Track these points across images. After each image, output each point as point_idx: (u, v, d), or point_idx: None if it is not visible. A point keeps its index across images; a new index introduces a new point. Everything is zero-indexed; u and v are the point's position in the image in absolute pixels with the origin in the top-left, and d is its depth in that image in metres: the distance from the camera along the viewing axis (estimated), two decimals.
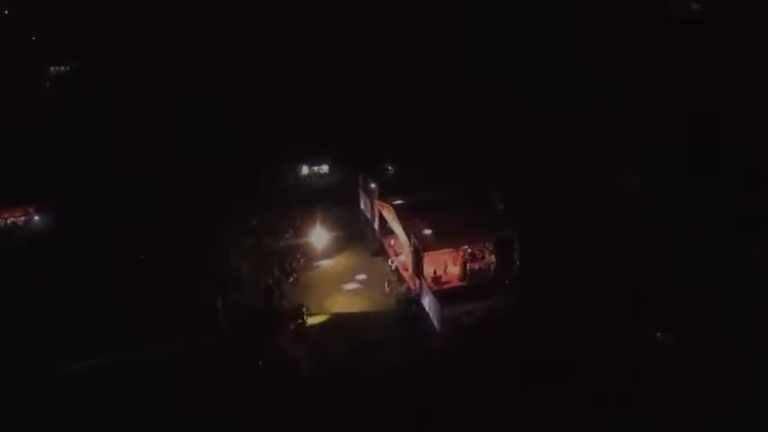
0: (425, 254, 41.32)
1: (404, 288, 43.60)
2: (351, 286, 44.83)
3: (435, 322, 39.56)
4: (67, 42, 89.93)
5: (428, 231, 42.34)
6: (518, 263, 42.63)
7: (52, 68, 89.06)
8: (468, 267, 43.14)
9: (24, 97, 74.90)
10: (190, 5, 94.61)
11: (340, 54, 77.45)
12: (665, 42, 73.46)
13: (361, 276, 45.70)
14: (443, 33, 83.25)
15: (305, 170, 59.57)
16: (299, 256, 47.34)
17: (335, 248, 48.67)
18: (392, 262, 46.23)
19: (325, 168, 59.60)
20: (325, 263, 47.48)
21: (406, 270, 44.87)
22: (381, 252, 48.18)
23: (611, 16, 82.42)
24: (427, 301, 40.77)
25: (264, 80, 73.48)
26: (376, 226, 49.19)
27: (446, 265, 43.81)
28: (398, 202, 45.73)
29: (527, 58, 73.62)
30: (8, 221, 52.30)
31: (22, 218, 52.75)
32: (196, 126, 65.24)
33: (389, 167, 56.46)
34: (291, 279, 45.11)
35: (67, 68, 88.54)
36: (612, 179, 53.50)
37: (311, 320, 40.94)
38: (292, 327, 40.36)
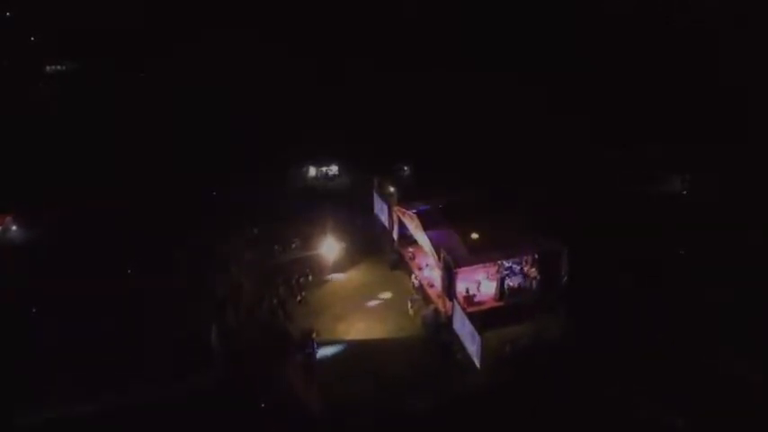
0: (458, 270, 32.20)
1: (431, 309, 34.49)
2: (368, 306, 35.80)
3: (473, 353, 30.41)
4: (66, 42, 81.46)
5: (460, 243, 33.25)
6: (566, 278, 33.62)
7: (48, 68, 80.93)
8: (506, 284, 34.07)
9: (12, 98, 65.68)
10: (189, 5, 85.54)
11: (345, 49, 68.01)
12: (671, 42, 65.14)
13: (380, 294, 36.69)
14: (447, 31, 74.15)
15: (312, 171, 50.21)
16: (306, 270, 38.25)
17: (349, 261, 39.57)
18: (415, 278, 37.06)
19: (334, 169, 50.25)
20: (336, 278, 38.45)
21: (432, 287, 35.87)
22: (401, 265, 39.06)
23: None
24: (461, 327, 31.63)
25: (266, 78, 64.11)
26: (395, 235, 39.96)
27: (479, 281, 34.79)
28: (421, 208, 36.63)
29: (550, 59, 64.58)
30: None
31: None
32: (193, 126, 55.80)
33: (405, 168, 47.31)
34: (299, 298, 36.15)
35: (63, 68, 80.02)
36: (655, 182, 44.61)
37: (323, 350, 31.92)
38: (300, 357, 31.40)
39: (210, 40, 75.12)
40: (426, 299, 35.57)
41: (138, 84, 67.61)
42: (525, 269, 35.56)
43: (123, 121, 58.34)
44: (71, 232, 41.20)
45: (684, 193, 44.95)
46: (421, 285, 36.39)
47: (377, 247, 41.17)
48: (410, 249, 38.90)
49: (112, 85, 69.19)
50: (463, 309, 31.90)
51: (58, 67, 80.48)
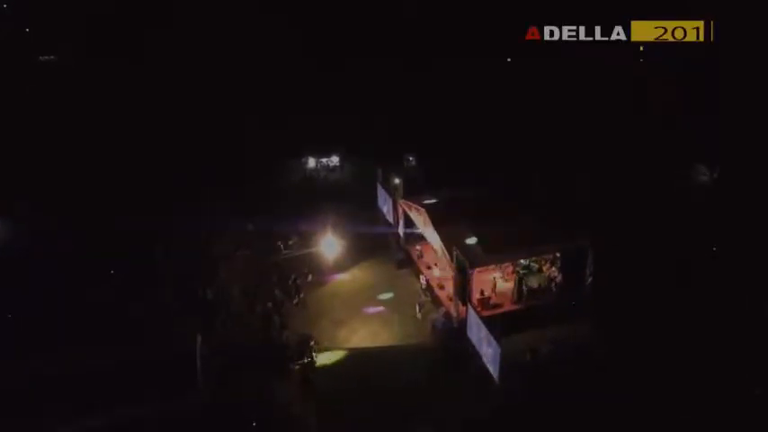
0: (473, 271, 28.34)
1: (441, 313, 30.72)
2: (372, 309, 32.05)
3: (490, 363, 26.65)
4: (56, 30, 77.25)
5: (474, 240, 29.39)
6: (591, 279, 29.76)
7: (41, 58, 77.16)
8: (525, 286, 30.24)
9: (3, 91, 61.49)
10: None
11: (346, 23, 62.40)
12: None
13: (385, 296, 32.95)
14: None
15: (311, 162, 46.26)
16: (305, 270, 34.46)
17: (350, 260, 35.78)
18: (423, 278, 33.22)
19: (335, 160, 46.33)
20: (338, 278, 34.71)
21: (442, 288, 32.08)
22: (408, 264, 35.25)
23: None
24: (476, 334, 27.85)
25: (263, 62, 59.00)
26: (400, 231, 36.12)
27: (494, 282, 30.98)
28: (430, 201, 32.73)
29: None
30: None
31: None
32: (183, 113, 51.19)
33: (411, 158, 43.31)
34: (296, 300, 32.40)
35: (55, 58, 76.13)
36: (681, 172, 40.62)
37: (321, 360, 28.24)
38: (296, 369, 27.68)
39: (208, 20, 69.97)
40: (436, 301, 31.80)
41: (127, 70, 62.36)
42: (544, 268, 31.76)
43: (109, 109, 53.53)
44: (49, 228, 37.09)
45: (711, 183, 40.87)
46: (430, 286, 32.60)
47: (381, 245, 37.29)
48: (417, 247, 35.08)
49: (100, 73, 64.39)
50: (478, 313, 28.12)
51: (51, 57, 76.73)
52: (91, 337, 28.13)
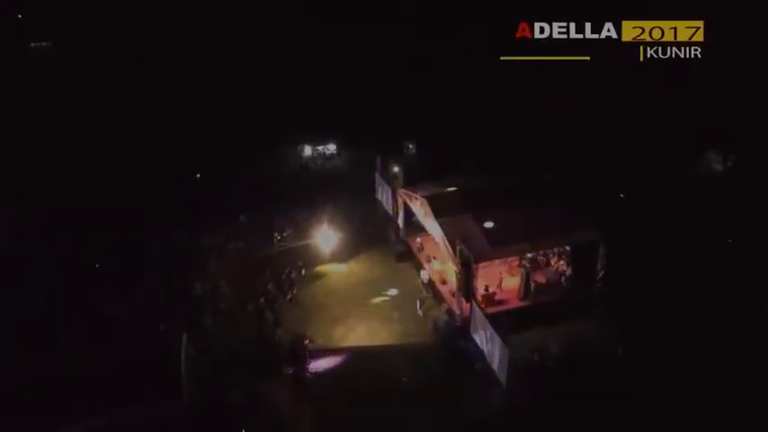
0: (478, 266, 26.44)
1: (443, 311, 28.87)
2: (369, 305, 30.11)
3: (495, 364, 24.83)
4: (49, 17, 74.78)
5: (479, 233, 27.45)
6: (602, 273, 27.86)
7: (33, 44, 74.81)
8: (532, 281, 28.34)
9: None
10: None
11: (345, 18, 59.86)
12: None
13: (383, 291, 31.02)
14: None
15: (307, 150, 44.25)
16: (299, 263, 32.46)
17: (348, 252, 33.76)
18: (424, 272, 31.30)
19: (331, 148, 44.32)
20: (333, 272, 32.74)
21: (444, 283, 30.20)
22: (408, 257, 33.33)
23: None
24: (481, 332, 26.02)
25: (252, 38, 56.07)
26: (400, 222, 34.19)
27: (500, 277, 29.08)
28: (432, 191, 30.74)
29: None
30: None
31: None
32: (172, 98, 48.57)
33: (411, 146, 41.28)
34: (289, 296, 30.47)
35: (48, 44, 73.73)
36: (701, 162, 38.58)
37: (317, 360, 26.40)
38: (290, 370, 25.87)
39: None
40: (437, 297, 29.92)
41: (113, 55, 59.78)
42: (552, 262, 29.88)
43: (95, 97, 50.79)
44: (49, 228, 35.08)
45: (725, 172, 38.84)
46: (431, 281, 30.68)
47: (380, 236, 35.30)
48: (418, 239, 33.12)
49: (98, 66, 61.97)
50: (482, 309, 26.27)
51: (43, 44, 74.44)
52: (89, 337, 26.46)
